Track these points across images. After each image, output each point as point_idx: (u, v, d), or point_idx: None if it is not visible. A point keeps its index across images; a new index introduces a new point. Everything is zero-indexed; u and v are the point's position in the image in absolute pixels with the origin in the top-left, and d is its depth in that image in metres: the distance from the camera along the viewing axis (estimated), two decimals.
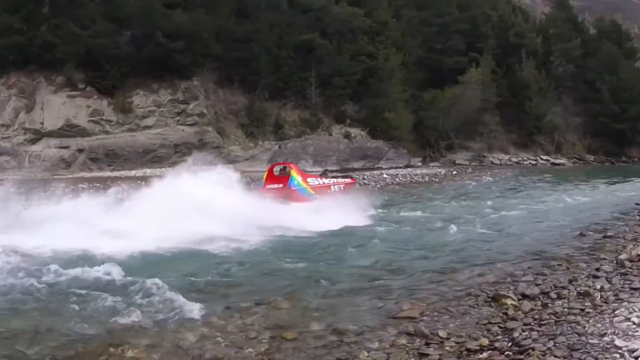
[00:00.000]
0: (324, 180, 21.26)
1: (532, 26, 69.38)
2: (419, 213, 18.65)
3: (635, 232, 13.53)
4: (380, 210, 18.76)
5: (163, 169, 34.65)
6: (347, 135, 44.76)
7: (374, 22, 48.82)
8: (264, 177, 21.06)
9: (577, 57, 69.28)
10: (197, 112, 39.30)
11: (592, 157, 62.53)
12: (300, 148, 41.41)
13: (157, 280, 8.76)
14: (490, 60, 57.08)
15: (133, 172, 33.83)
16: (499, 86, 57.34)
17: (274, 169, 21.30)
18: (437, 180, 36.20)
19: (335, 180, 22.25)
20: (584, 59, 69.06)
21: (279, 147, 40.87)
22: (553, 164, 55.43)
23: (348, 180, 23.00)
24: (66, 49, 35.61)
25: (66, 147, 34.79)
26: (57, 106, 35.30)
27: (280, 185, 19.45)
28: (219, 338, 6.84)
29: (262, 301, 8.31)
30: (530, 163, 55.05)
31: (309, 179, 20.40)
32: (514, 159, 54.49)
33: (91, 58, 36.86)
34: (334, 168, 39.98)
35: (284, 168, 20.95)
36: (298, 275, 10.06)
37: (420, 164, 48.74)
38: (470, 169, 44.36)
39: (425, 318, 7.44)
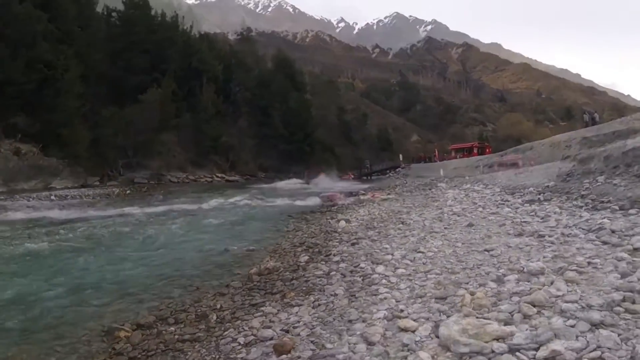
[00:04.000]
0: None
1: (215, 54, 71.70)
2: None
3: (278, 243, 13.52)
4: None
5: None
6: (16, 152, 38.67)
7: (58, 28, 44.08)
8: None
9: (254, 86, 74.15)
10: None
11: (264, 174, 66.84)
12: None
13: None
14: (172, 82, 57.68)
15: None
16: (179, 107, 58.22)
17: None
18: (106, 200, 33.30)
19: None
20: (260, 88, 74.15)
21: None
22: (227, 180, 57.71)
23: None
24: None
25: None
26: None
27: None
28: None
29: None
30: (206, 180, 56.32)
31: None
32: (192, 177, 55.31)
33: None
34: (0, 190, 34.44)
35: None
36: None
37: (97, 183, 45.63)
38: (145, 188, 42.67)
39: None
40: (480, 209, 13.51)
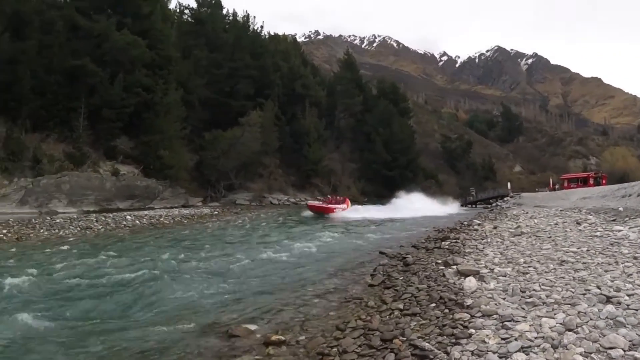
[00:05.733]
0: None
1: (319, 80, 69.25)
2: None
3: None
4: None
5: None
6: (115, 173, 38.01)
7: (158, 55, 43.43)
8: None
9: (357, 112, 70.92)
10: None
11: (365, 199, 62.74)
12: (54, 186, 33.28)
13: None
14: (274, 106, 55.75)
15: None
16: (281, 131, 56.25)
17: None
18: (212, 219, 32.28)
19: None
20: (364, 114, 70.85)
21: (32, 184, 32.73)
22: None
23: None
24: None
25: None
26: None
27: None
28: None
29: None
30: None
31: None
32: (292, 200, 52.60)
33: None
34: (92, 209, 33.76)
35: None
36: None
37: (200, 203, 44.41)
38: (240, 208, 41.51)
39: None
40: None
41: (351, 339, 6.62)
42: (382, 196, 64.16)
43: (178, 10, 60.25)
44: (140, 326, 8.10)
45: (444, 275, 9.34)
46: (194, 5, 60.47)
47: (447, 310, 7.02)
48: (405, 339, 6.15)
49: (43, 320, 8.30)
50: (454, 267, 9.80)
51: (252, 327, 7.75)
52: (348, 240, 20.32)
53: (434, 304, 7.51)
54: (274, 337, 7.08)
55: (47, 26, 37.52)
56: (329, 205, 37.14)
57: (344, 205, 38.63)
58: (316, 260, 14.85)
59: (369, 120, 71.04)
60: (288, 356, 6.49)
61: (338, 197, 41.25)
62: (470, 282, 8.08)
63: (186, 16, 61.19)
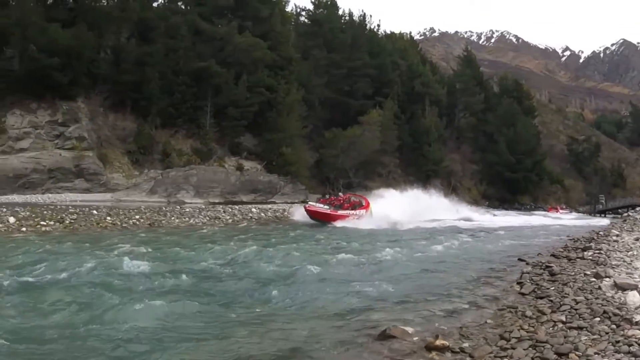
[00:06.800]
0: None
1: (438, 78, 66.82)
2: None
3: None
4: None
5: (36, 195, 29.99)
6: (239, 168, 39.70)
7: (279, 56, 44.37)
8: None
9: (479, 111, 67.51)
10: (77, 135, 33.06)
11: (487, 202, 59.38)
12: (182, 178, 35.75)
13: None
14: (394, 105, 54.25)
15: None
16: (401, 130, 54.69)
17: None
18: None
19: None
20: (485, 113, 67.34)
21: (161, 175, 35.38)
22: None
23: None
24: None
25: None
26: None
27: None
28: None
29: None
30: None
31: None
32: None
33: None
34: (218, 200, 35.34)
35: None
36: None
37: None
38: None
39: None
40: None
41: (522, 349, 6.02)
42: (505, 200, 60.61)
43: (295, 13, 60.71)
44: (288, 319, 7.76)
45: (599, 288, 8.71)
46: (310, 7, 60.75)
47: (614, 326, 6.53)
48: (580, 353, 5.67)
49: (193, 303, 8.20)
50: (607, 279, 9.18)
51: (409, 329, 6.95)
52: (479, 245, 18.80)
53: (598, 318, 6.94)
54: (438, 342, 6.30)
55: (172, 31, 39.91)
56: (338, 212, 27.12)
57: (361, 211, 28.21)
58: (454, 263, 13.72)
59: (491, 119, 67.21)
60: None
61: (352, 198, 30.16)
62: (635, 297, 7.64)
63: (303, 18, 61.67)
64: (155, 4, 43.81)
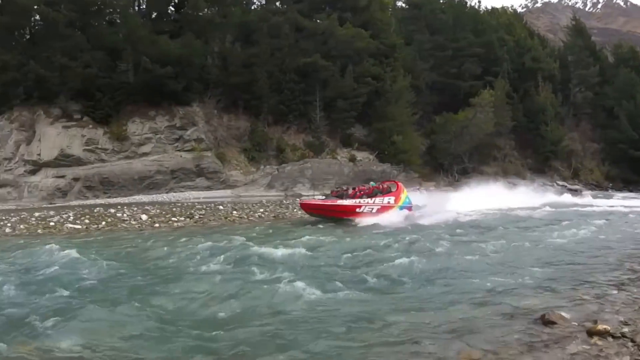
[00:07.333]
0: None
1: (549, 51, 62.43)
2: None
3: None
4: None
5: (160, 195, 32.39)
6: (352, 159, 39.35)
7: (382, 44, 43.58)
8: None
9: (595, 84, 62.20)
10: (195, 137, 34.89)
11: (610, 184, 54.53)
12: (297, 172, 36.28)
13: None
14: (505, 83, 51.35)
15: (128, 199, 30.80)
16: (514, 110, 51.50)
17: None
18: None
19: None
20: (602, 86, 61.90)
21: (277, 170, 36.03)
22: (569, 189, 47.31)
23: None
24: (57, 81, 32.37)
25: (62, 177, 32.16)
26: (53, 137, 32.33)
27: None
28: None
29: None
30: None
31: None
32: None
33: (86, 88, 33.22)
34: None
35: None
36: None
37: (433, 188, 42.52)
38: None
39: None
40: None
41: None
42: (630, 182, 55.42)
43: None
44: (441, 306, 8.13)
45: None
46: None
47: None
48: None
49: (338, 288, 9.06)
50: None
51: (566, 315, 7.22)
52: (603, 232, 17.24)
53: None
54: (600, 327, 6.53)
55: (274, 31, 40.44)
56: (337, 203, 21.03)
57: (383, 200, 21.49)
58: (582, 251, 13.30)
59: (609, 92, 61.91)
60: (618, 348, 6.02)
61: (383, 185, 23.24)
62: None
63: (401, 2, 60.20)
64: (253, 7, 44.68)
